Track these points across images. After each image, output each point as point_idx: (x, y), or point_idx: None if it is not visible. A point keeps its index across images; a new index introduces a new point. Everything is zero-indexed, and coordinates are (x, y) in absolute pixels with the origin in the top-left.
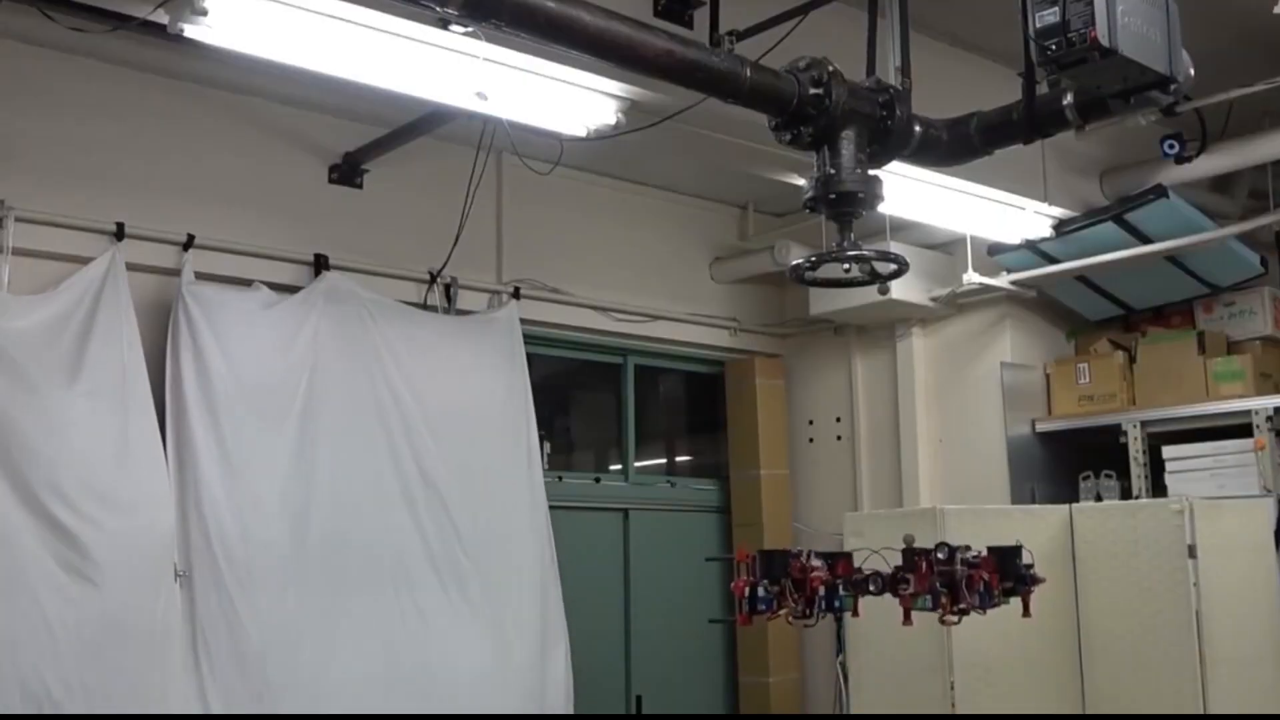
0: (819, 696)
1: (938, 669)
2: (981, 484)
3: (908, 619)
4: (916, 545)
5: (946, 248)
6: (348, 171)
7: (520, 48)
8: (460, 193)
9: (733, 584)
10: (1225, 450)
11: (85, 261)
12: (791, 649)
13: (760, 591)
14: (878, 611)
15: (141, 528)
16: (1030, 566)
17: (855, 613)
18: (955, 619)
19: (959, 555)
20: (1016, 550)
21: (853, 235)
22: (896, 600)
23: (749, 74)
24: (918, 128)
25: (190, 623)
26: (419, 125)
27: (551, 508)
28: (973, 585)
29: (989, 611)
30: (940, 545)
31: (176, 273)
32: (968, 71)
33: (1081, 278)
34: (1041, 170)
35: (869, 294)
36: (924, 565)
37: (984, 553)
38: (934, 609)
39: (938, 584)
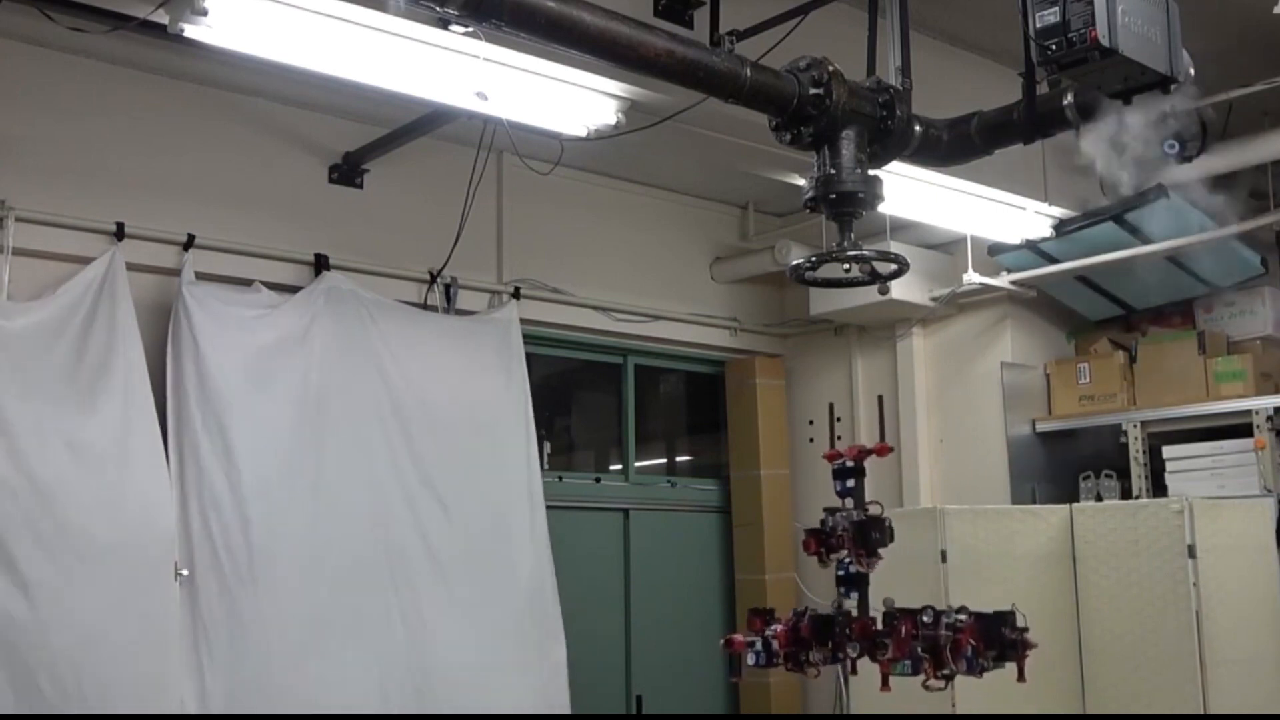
0: (819, 696)
1: None
2: (982, 484)
3: (885, 685)
4: (899, 607)
5: (946, 248)
6: (348, 171)
7: (520, 48)
8: (460, 193)
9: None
10: (1225, 450)
11: (85, 261)
12: None
13: (759, 645)
14: (876, 609)
15: (142, 527)
16: (1024, 630)
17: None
18: (941, 684)
19: (944, 619)
20: (1004, 616)
21: (853, 235)
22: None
23: (749, 74)
24: (918, 128)
25: (191, 622)
26: (419, 125)
27: (551, 508)
28: (959, 650)
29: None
30: (926, 608)
31: (176, 273)
32: (968, 71)
33: (1081, 278)
34: (1041, 170)
35: (869, 294)
36: (904, 629)
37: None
38: (915, 674)
39: (919, 649)
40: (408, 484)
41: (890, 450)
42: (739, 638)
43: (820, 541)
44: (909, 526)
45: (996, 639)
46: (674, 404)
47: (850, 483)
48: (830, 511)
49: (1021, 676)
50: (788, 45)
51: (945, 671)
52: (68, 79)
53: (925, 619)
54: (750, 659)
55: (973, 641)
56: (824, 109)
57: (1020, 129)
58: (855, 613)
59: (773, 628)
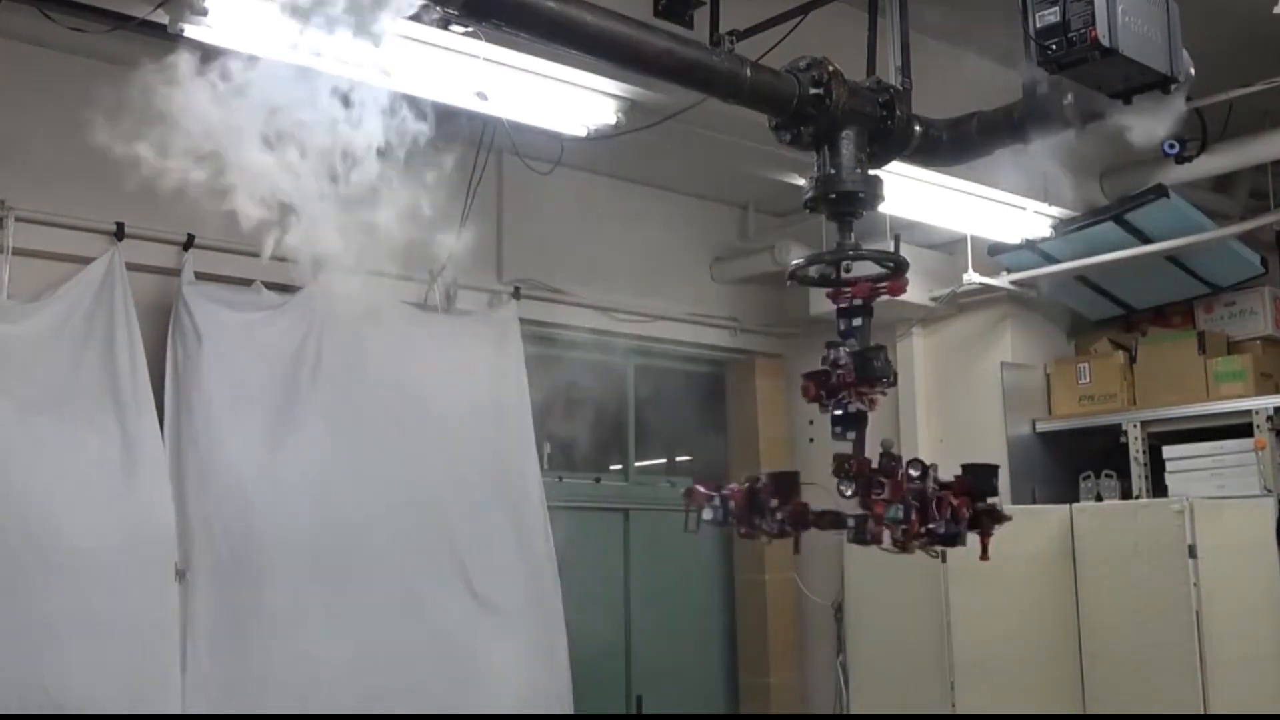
0: (819, 696)
1: (938, 669)
2: None
3: (880, 524)
4: (895, 451)
5: (946, 248)
6: None
7: (520, 48)
8: (460, 193)
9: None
10: (1225, 450)
11: (85, 261)
12: (791, 649)
13: (716, 501)
14: (877, 609)
15: (141, 527)
16: (997, 505)
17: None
18: (928, 545)
19: (931, 474)
20: (992, 469)
21: (853, 235)
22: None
23: (749, 74)
24: (918, 128)
25: (191, 621)
26: None
27: (551, 508)
28: (941, 508)
29: (947, 551)
30: (914, 461)
31: (176, 273)
32: (968, 71)
33: (1081, 278)
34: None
35: None
36: (899, 473)
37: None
38: (905, 522)
39: (910, 497)
40: (407, 484)
41: (903, 290)
42: (701, 489)
43: (820, 384)
44: None
45: (983, 491)
46: (674, 404)
47: (856, 322)
48: (831, 345)
49: (985, 554)
50: (788, 45)
51: (930, 525)
52: (68, 79)
53: (914, 471)
54: (708, 514)
55: (954, 501)
56: (824, 109)
57: (1020, 129)
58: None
59: (729, 487)
